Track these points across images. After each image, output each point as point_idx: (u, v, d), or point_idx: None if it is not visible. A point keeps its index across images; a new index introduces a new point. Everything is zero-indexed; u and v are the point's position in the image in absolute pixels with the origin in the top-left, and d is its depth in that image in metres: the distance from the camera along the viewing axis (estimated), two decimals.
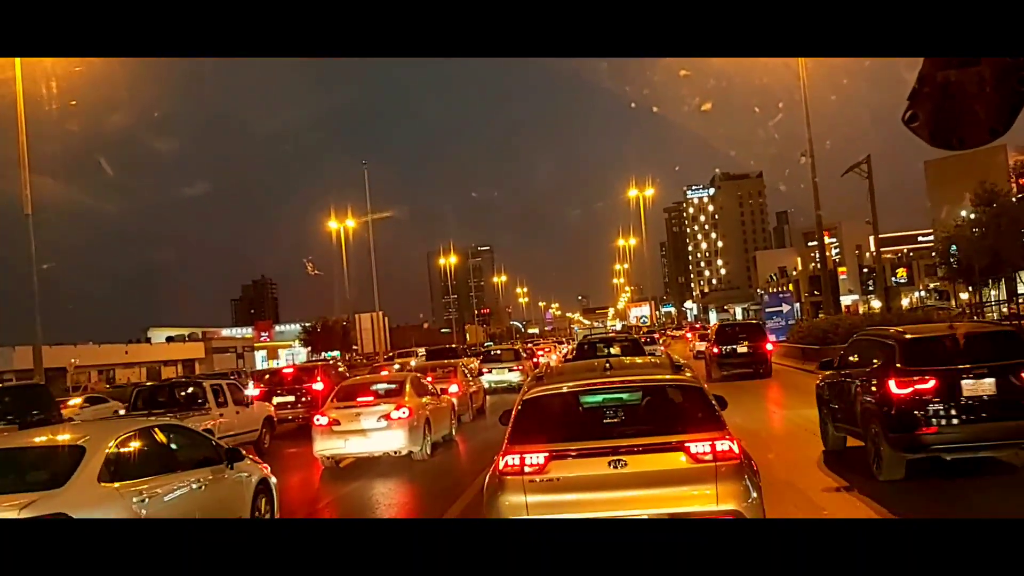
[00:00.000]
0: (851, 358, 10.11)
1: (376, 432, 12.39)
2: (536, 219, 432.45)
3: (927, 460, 8.38)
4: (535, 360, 33.63)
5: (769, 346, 23.34)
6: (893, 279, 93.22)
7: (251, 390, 22.77)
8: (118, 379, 58.28)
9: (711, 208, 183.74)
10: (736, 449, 5.31)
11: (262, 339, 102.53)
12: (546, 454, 5.33)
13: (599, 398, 5.97)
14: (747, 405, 16.32)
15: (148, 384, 20.20)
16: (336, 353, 70.62)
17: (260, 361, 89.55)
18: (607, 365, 6.35)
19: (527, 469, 5.32)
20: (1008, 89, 2.40)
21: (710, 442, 5.26)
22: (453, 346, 48.49)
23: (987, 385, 7.98)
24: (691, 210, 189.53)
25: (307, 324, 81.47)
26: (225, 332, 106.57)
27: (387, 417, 12.44)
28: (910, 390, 8.15)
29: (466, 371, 21.63)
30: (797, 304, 37.83)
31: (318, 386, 18.78)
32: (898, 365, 8.42)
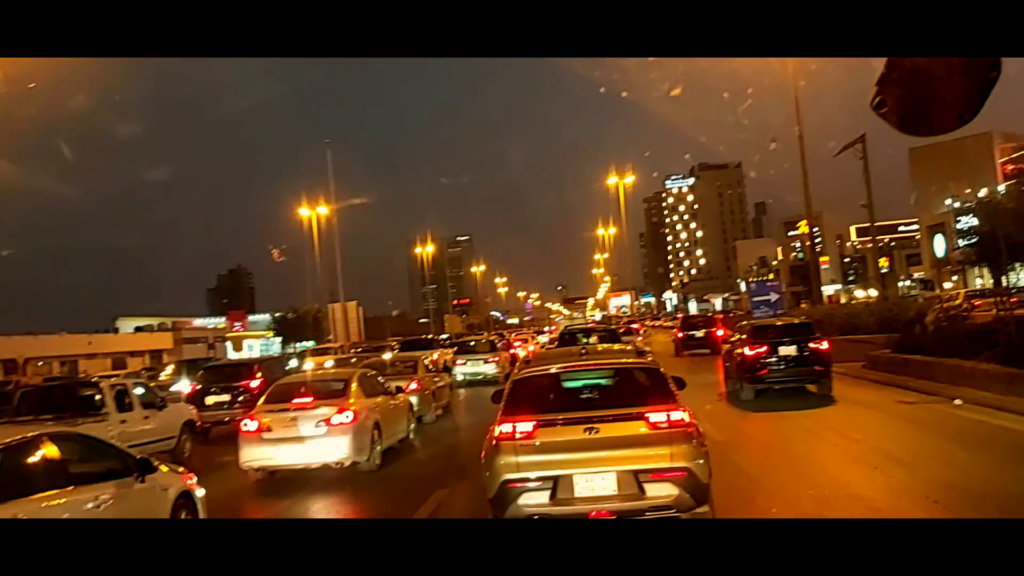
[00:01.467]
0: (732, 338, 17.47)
1: (314, 440, 10.66)
2: (515, 208, 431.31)
3: (765, 389, 16.04)
4: (511, 352, 32.07)
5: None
6: (875, 269, 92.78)
7: (184, 386, 20.83)
8: (80, 371, 56.02)
9: (690, 198, 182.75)
10: (687, 419, 6.40)
11: (235, 329, 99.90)
12: (534, 423, 6.41)
13: (576, 378, 7.23)
14: None
15: (35, 384, 17.55)
16: (310, 343, 68.61)
17: (231, 352, 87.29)
18: (583, 351, 8.17)
19: (518, 435, 6.38)
20: (976, 75, 2.49)
21: (666, 413, 6.37)
22: (429, 336, 46.72)
23: (792, 349, 15.77)
24: (671, 200, 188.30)
25: (277, 314, 79.02)
26: (197, 322, 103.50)
27: (327, 422, 10.71)
28: (754, 352, 15.86)
29: (429, 365, 19.93)
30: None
31: (256, 383, 16.83)
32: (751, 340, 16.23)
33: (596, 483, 6.16)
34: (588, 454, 6.25)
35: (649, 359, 7.82)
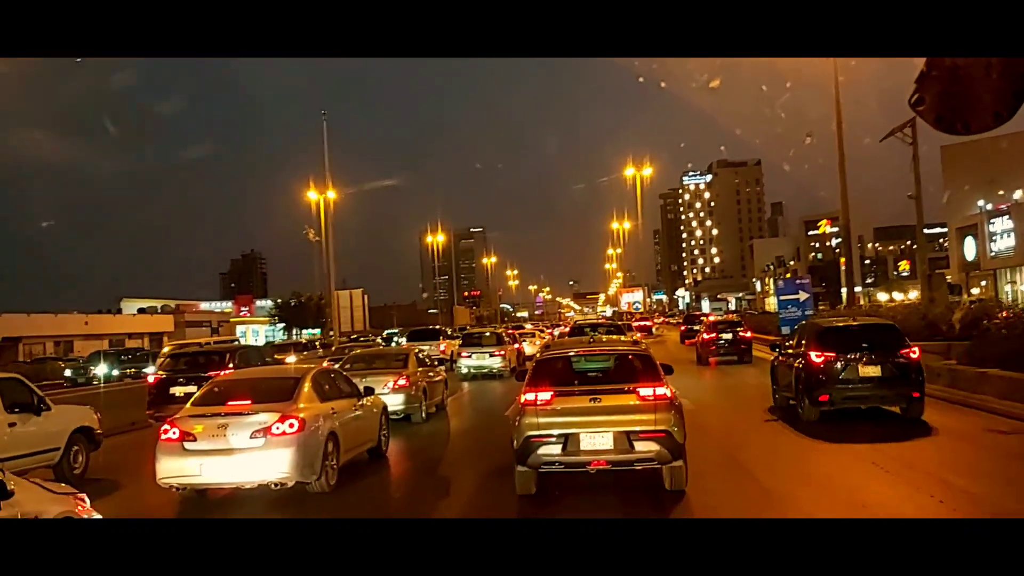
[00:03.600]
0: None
1: (249, 453, 8.48)
2: (534, 202, 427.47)
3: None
4: (518, 346, 30.16)
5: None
6: (895, 272, 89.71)
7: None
8: (76, 352, 53.99)
9: (707, 195, 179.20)
10: (669, 394, 8.06)
11: (242, 313, 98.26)
12: (551, 393, 8.05)
13: (585, 360, 9.11)
14: None
15: None
16: (314, 331, 66.81)
17: (238, 336, 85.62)
18: (591, 340, 11.90)
19: (539, 402, 7.98)
20: (1014, 75, 2.49)
21: (652, 388, 8.03)
22: (436, 327, 44.67)
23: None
24: (687, 196, 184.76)
25: (279, 300, 77.05)
26: (204, 305, 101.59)
27: (266, 431, 8.52)
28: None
29: (435, 355, 17.76)
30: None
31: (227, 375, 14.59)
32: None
33: (597, 440, 7.81)
34: (592, 418, 7.87)
35: (642, 347, 9.85)
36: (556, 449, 7.80)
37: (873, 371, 12.11)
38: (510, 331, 36.15)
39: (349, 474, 9.83)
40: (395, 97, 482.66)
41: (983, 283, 51.88)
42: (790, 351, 13.93)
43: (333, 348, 30.95)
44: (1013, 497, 7.85)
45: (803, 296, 30.36)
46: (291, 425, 8.59)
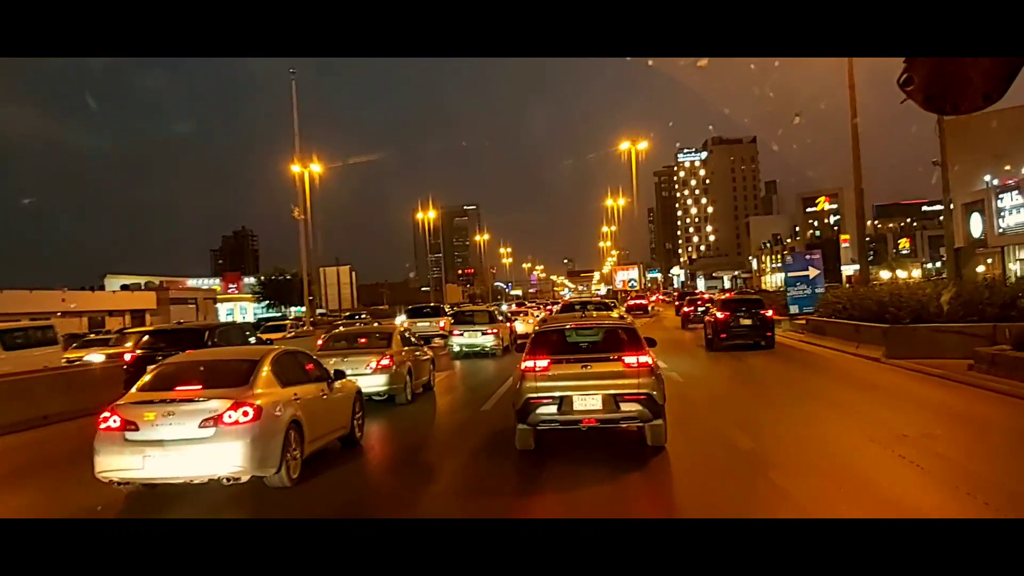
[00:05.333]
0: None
1: (197, 445, 7.48)
2: (526, 181, 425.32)
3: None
4: (510, 324, 29.72)
5: None
6: (895, 250, 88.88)
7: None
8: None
9: (702, 173, 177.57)
10: (651, 361, 9.09)
11: (230, 291, 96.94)
12: (548, 361, 9.03)
13: (577, 333, 10.04)
14: None
15: None
16: (299, 310, 65.37)
17: (224, 314, 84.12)
18: (582, 315, 17.85)
19: (537, 369, 8.97)
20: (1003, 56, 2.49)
21: (636, 357, 8.99)
22: (437, 305, 43.93)
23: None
24: (682, 174, 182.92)
25: (261, 277, 75.36)
26: (191, 282, 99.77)
27: (217, 420, 7.53)
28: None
29: (408, 338, 16.76)
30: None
31: None
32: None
33: (588, 401, 8.76)
34: (583, 382, 8.81)
35: (628, 320, 11.29)
36: (552, 409, 8.83)
37: (747, 322, 22.18)
38: (515, 309, 39.27)
39: (316, 465, 8.87)
40: (388, 76, 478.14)
41: (989, 260, 50.89)
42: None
43: (323, 325, 29.92)
44: None
45: (813, 272, 28.50)
46: (245, 413, 7.59)
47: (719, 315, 22.70)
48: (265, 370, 8.31)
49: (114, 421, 7.63)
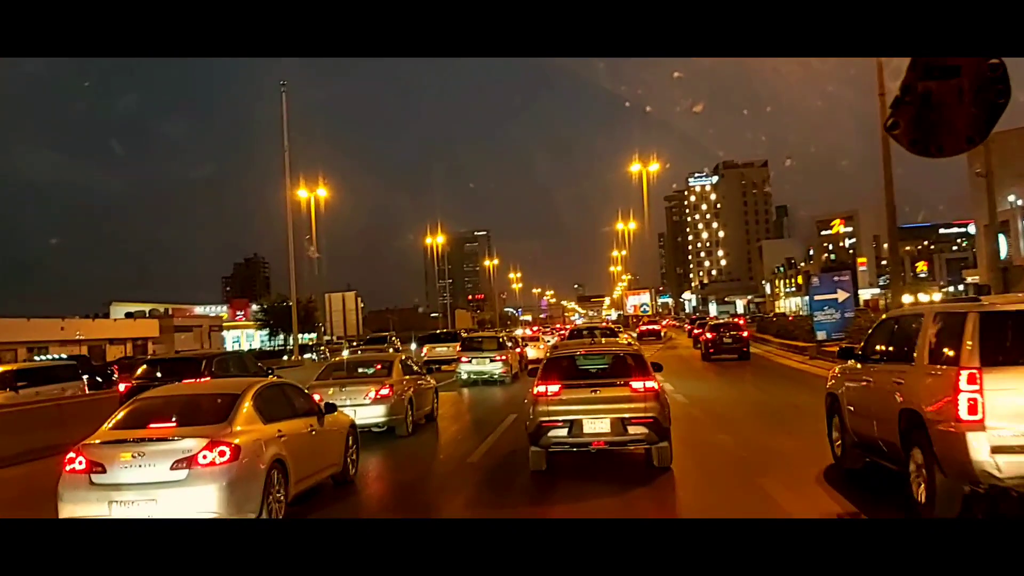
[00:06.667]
0: None
1: (168, 488, 6.83)
2: (536, 213, 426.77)
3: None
4: (519, 350, 29.20)
5: None
6: (912, 274, 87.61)
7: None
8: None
9: (713, 197, 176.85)
10: (656, 387, 9.46)
11: (237, 318, 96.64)
12: (559, 386, 9.42)
13: (587, 359, 10.50)
14: None
15: None
16: (307, 336, 64.61)
17: (231, 341, 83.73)
18: (591, 341, 18.67)
19: (549, 393, 9.37)
20: (985, 101, 2.68)
21: (643, 382, 9.36)
22: (452, 331, 43.33)
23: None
24: (692, 198, 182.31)
25: (264, 304, 74.50)
26: (199, 310, 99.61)
27: (190, 462, 6.87)
28: None
29: (410, 365, 16.10)
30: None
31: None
32: None
33: (597, 424, 9.20)
34: (593, 406, 9.26)
35: (635, 347, 11.24)
36: (563, 432, 9.19)
37: (728, 339, 29.26)
38: (530, 335, 40.48)
39: (303, 507, 8.22)
40: (399, 116, 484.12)
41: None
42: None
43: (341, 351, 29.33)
44: None
45: (842, 296, 26.45)
46: (222, 453, 6.94)
47: (709, 335, 31.37)
48: (246, 405, 7.65)
49: (80, 463, 6.99)
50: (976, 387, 5.94)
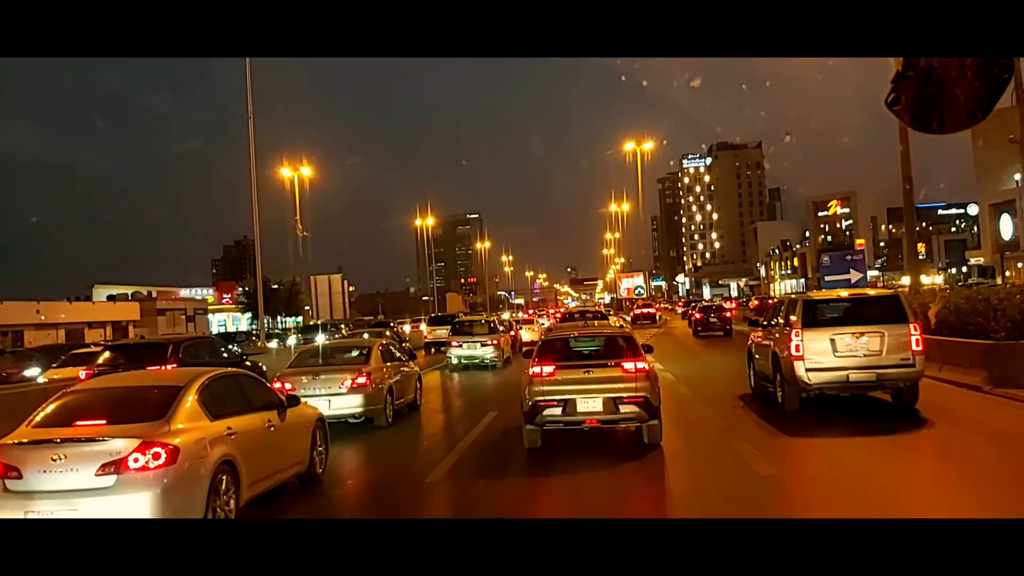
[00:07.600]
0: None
1: (92, 497, 5.89)
2: (529, 194, 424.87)
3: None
4: (513, 334, 29.02)
5: None
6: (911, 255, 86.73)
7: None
8: (28, 343, 49.29)
9: (707, 179, 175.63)
10: (647, 367, 9.85)
11: (224, 301, 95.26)
12: (553, 367, 9.75)
13: (580, 341, 10.83)
14: None
15: None
16: (296, 319, 63.69)
17: (216, 325, 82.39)
18: (584, 324, 16.01)
19: (544, 374, 9.67)
20: (988, 76, 2.57)
21: (634, 362, 9.75)
22: (439, 315, 43.58)
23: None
24: (686, 180, 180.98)
25: (246, 288, 72.82)
26: (184, 292, 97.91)
27: (119, 466, 5.93)
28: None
29: (391, 351, 15.15)
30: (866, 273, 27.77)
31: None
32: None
33: (590, 404, 9.53)
34: (586, 386, 9.60)
35: (627, 330, 13.01)
36: (558, 411, 9.52)
37: (714, 319, 34.25)
38: (524, 318, 40.80)
39: (259, 511, 7.28)
40: (389, 92, 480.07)
41: (1020, 265, 48.74)
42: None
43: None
44: None
45: (855, 276, 25.19)
46: (156, 455, 6.00)
47: (698, 315, 36.50)
48: (189, 399, 6.69)
49: None
50: (800, 338, 11.26)
